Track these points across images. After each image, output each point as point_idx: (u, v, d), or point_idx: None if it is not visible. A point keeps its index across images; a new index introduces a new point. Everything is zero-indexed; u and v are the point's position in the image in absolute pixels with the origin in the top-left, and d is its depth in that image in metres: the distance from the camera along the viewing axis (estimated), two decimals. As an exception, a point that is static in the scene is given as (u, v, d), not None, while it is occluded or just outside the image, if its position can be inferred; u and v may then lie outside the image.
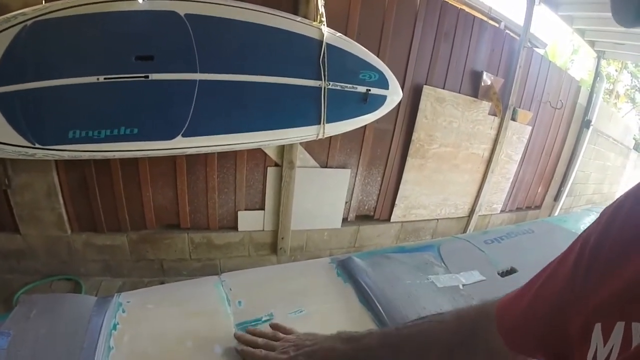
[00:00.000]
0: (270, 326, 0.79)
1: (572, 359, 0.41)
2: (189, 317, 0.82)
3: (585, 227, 0.45)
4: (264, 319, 0.83)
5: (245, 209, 2.59)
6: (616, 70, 10.00)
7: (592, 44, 4.38)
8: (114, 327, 0.76)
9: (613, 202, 0.42)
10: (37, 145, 1.82)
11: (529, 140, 3.82)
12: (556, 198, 4.67)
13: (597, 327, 0.35)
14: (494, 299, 0.57)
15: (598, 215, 0.44)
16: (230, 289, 0.92)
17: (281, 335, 0.75)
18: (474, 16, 3.08)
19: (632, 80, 10.58)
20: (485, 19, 3.40)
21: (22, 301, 0.83)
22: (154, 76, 1.94)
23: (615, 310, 0.34)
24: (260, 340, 0.73)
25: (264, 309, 0.87)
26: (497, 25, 3.55)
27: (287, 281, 0.99)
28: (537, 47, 4.02)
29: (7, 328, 0.73)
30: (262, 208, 2.62)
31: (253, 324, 0.81)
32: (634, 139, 7.94)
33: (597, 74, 4.54)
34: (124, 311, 0.82)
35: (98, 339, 0.71)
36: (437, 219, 3.42)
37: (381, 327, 0.82)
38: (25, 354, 0.68)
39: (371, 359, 0.65)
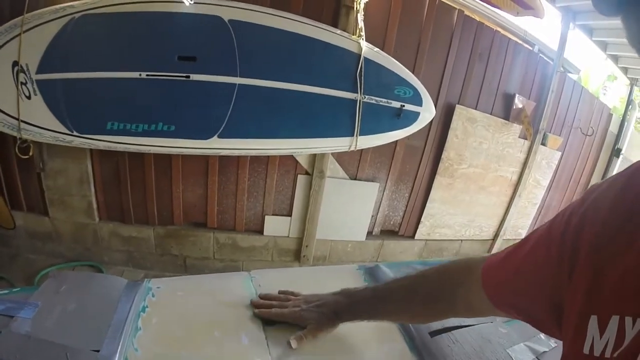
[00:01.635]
0: (279, 292, 0.86)
1: (544, 327, 0.45)
2: (217, 307, 0.83)
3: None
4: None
5: (273, 214, 2.62)
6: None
7: (625, 70, 4.32)
8: (143, 310, 0.77)
9: (602, 183, 0.44)
10: (75, 133, 1.90)
11: (557, 166, 3.75)
12: (582, 227, 4.55)
13: (593, 319, 0.36)
14: (479, 257, 0.63)
15: None
16: (260, 285, 0.92)
17: (291, 297, 0.83)
18: (509, 38, 3.09)
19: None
20: (519, 41, 3.41)
21: (53, 275, 0.84)
22: (195, 77, 2.01)
23: (611, 304, 0.35)
24: (274, 302, 0.82)
25: None
26: (531, 48, 3.54)
27: (314, 282, 0.99)
28: (571, 72, 3.98)
29: (35, 299, 0.74)
30: (289, 214, 2.65)
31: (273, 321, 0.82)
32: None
33: (630, 101, 4.46)
34: (153, 295, 0.82)
35: (126, 319, 0.72)
36: (462, 240, 3.37)
37: (406, 334, 0.85)
38: (51, 325, 0.69)
39: (366, 308, 0.75)
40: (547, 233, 0.48)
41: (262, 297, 0.85)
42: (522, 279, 0.51)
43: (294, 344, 0.73)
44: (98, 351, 0.65)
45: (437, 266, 0.72)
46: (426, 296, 0.70)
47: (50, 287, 0.79)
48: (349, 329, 0.80)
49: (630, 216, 0.37)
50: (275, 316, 0.78)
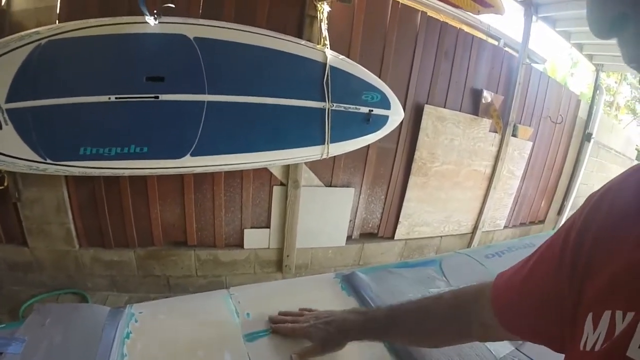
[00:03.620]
0: (299, 309, 0.89)
1: (562, 344, 0.44)
2: (199, 327, 0.85)
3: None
4: (271, 329, 0.86)
5: (251, 227, 2.63)
6: (616, 82, 10.07)
7: (590, 57, 4.44)
8: (127, 336, 0.79)
9: (599, 189, 0.45)
10: (48, 161, 1.87)
11: (530, 156, 3.86)
12: (559, 212, 4.67)
13: (589, 316, 0.37)
14: (491, 280, 0.61)
15: None
16: (239, 302, 0.94)
17: (306, 312, 0.86)
18: (473, 35, 3.15)
19: (632, 91, 10.64)
20: (484, 37, 3.48)
21: (37, 309, 0.85)
22: (164, 97, 2.00)
23: (603, 300, 0.36)
24: (288, 317, 0.85)
25: None
26: (496, 43, 3.62)
27: (292, 295, 1.01)
28: (537, 63, 4.08)
29: (21, 334, 0.75)
30: (268, 226, 2.66)
31: (261, 334, 0.84)
32: (636, 149, 7.94)
33: (597, 86, 4.59)
34: (136, 321, 0.84)
35: (112, 347, 0.73)
36: (441, 236, 3.43)
37: None
38: (39, 359, 0.70)
39: (377, 328, 0.74)
40: (549, 248, 0.48)
41: (280, 313, 0.88)
42: (527, 299, 0.50)
43: (295, 358, 0.76)
44: None
45: (454, 289, 0.71)
46: (441, 318, 0.67)
47: (36, 321, 0.80)
48: None
49: (624, 216, 0.39)
50: (286, 331, 0.82)
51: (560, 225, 0.49)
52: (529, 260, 0.53)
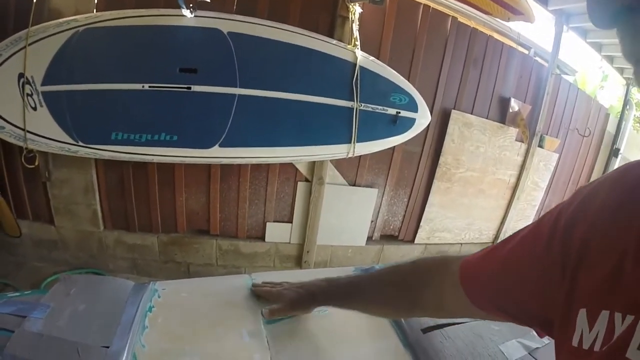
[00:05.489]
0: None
1: (551, 329, 0.43)
2: (220, 307, 0.87)
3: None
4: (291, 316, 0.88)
5: (274, 221, 2.67)
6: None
7: (621, 70, 4.34)
8: (150, 310, 0.81)
9: (591, 183, 0.44)
10: (80, 143, 1.95)
11: (555, 168, 3.78)
12: (583, 228, 4.55)
13: (582, 312, 0.36)
14: (456, 256, 0.62)
15: None
16: None
17: (285, 283, 0.91)
18: (503, 43, 3.14)
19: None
20: (514, 45, 3.45)
21: (63, 279, 0.87)
22: (196, 88, 2.06)
23: (600, 299, 0.36)
24: (269, 284, 0.92)
25: None
26: (526, 52, 3.58)
27: None
28: (566, 74, 4.02)
29: (46, 301, 0.77)
30: (290, 221, 2.69)
31: (280, 318, 0.86)
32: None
33: (627, 101, 4.47)
34: (159, 297, 0.86)
35: (134, 318, 0.75)
36: (461, 244, 3.39)
37: (399, 330, 0.88)
38: (62, 324, 0.72)
39: (339, 293, 0.79)
40: (533, 232, 0.48)
41: (263, 282, 0.95)
42: (506, 277, 0.50)
43: (266, 314, 0.84)
44: (108, 347, 0.69)
45: (415, 259, 0.71)
46: (394, 287, 0.70)
47: (61, 289, 0.83)
48: (343, 324, 0.85)
49: (619, 213, 0.38)
50: (262, 292, 0.90)
51: (546, 213, 0.48)
52: (504, 244, 0.52)
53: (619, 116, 4.42)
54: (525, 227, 0.51)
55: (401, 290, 0.69)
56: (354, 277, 0.84)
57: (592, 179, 4.31)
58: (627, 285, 0.34)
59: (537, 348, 0.94)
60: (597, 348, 0.34)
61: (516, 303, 0.49)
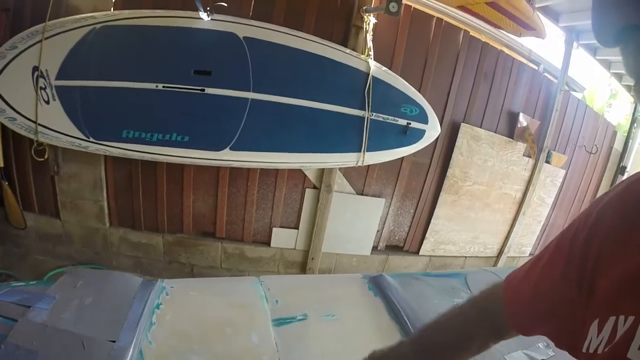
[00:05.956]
0: None
1: (570, 342, 0.44)
2: (229, 307, 0.87)
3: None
4: (298, 317, 0.88)
5: (280, 226, 2.66)
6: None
7: (629, 88, 4.35)
8: (157, 307, 0.81)
9: (602, 197, 0.46)
10: (91, 139, 1.95)
11: (562, 184, 3.77)
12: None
13: (595, 322, 0.38)
14: (502, 281, 0.61)
15: None
16: (269, 289, 0.97)
17: None
18: (514, 58, 3.16)
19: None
20: (524, 61, 3.47)
21: (69, 272, 0.87)
22: (210, 90, 2.07)
23: (610, 306, 0.37)
24: None
25: (299, 309, 0.93)
26: (536, 67, 3.60)
27: (321, 289, 1.04)
28: (575, 91, 4.03)
29: (52, 293, 0.77)
30: (297, 227, 2.69)
31: (288, 321, 0.86)
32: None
33: (634, 119, 4.47)
34: (167, 294, 0.86)
35: (141, 315, 0.75)
36: (466, 257, 3.38)
37: (407, 337, 0.86)
38: (68, 316, 0.72)
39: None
40: (556, 252, 0.49)
41: None
42: (539, 304, 0.51)
43: None
44: (114, 342, 0.69)
45: (470, 301, 0.67)
46: (467, 337, 0.64)
47: (67, 282, 0.83)
48: (351, 330, 0.84)
49: (627, 222, 0.40)
50: None
51: (567, 228, 0.50)
52: (538, 262, 0.53)
53: (626, 134, 4.42)
54: (552, 243, 0.52)
55: (473, 342, 0.64)
56: (413, 342, 0.70)
57: (597, 196, 4.33)
58: (628, 289, 0.36)
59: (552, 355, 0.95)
60: (600, 350, 0.36)
61: (550, 327, 0.51)
